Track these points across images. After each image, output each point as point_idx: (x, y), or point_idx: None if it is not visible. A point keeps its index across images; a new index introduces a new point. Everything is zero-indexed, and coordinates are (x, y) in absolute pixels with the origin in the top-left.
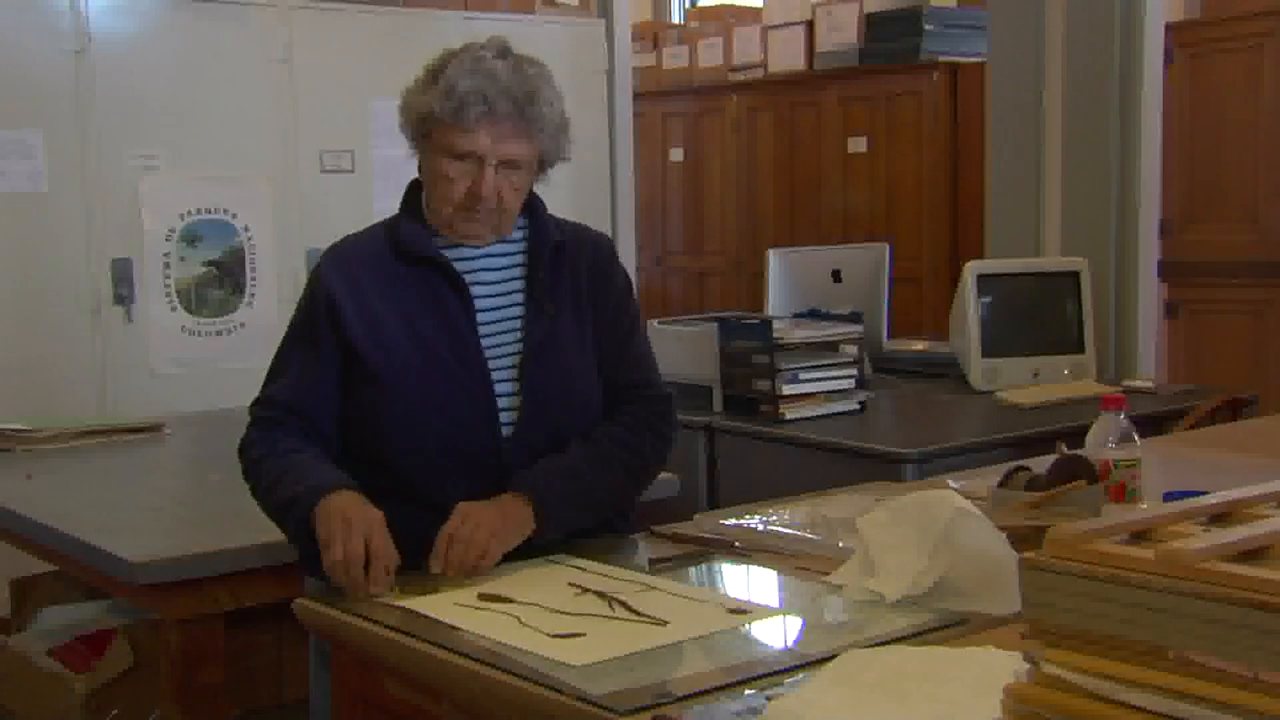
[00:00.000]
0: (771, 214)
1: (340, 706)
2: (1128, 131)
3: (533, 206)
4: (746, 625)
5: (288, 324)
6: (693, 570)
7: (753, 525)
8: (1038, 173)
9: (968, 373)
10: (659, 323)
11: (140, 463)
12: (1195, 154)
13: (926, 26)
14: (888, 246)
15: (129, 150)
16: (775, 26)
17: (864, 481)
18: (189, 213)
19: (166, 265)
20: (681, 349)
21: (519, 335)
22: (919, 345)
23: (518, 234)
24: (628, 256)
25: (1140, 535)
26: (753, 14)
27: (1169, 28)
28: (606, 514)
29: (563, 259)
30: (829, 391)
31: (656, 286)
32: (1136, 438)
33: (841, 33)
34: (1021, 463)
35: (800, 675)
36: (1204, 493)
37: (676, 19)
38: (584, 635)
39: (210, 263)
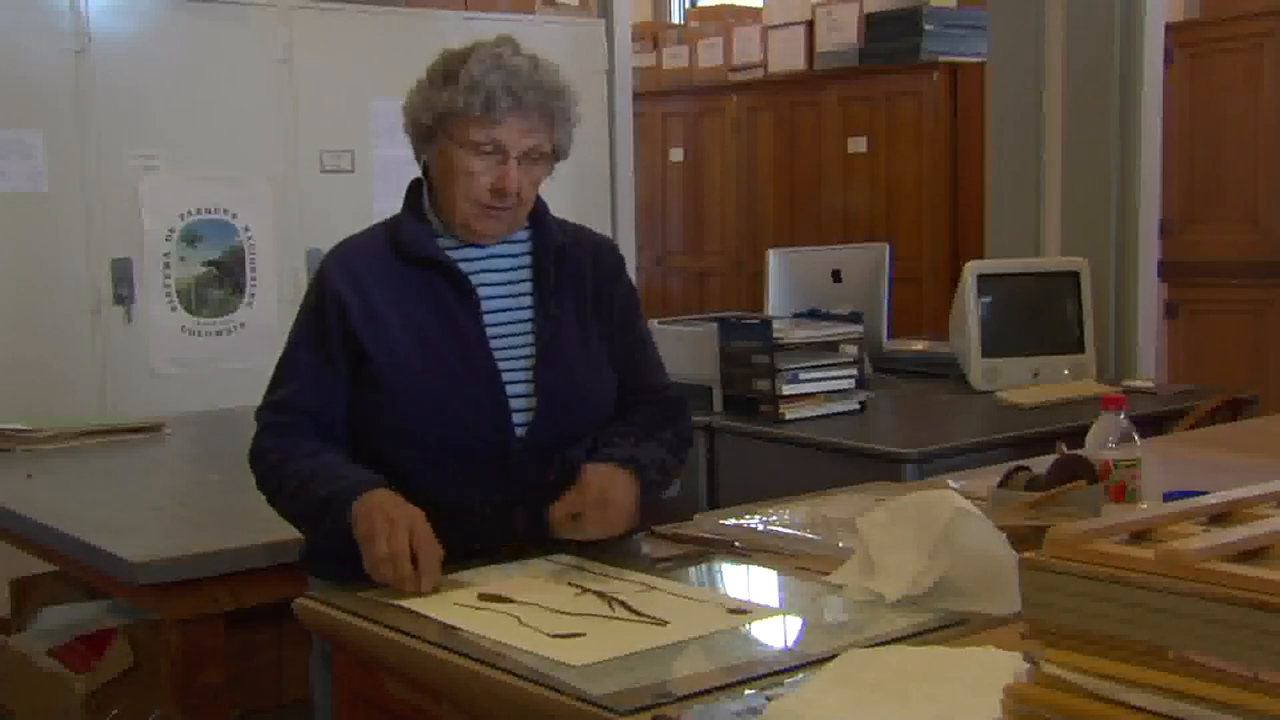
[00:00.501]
0: (771, 214)
1: (340, 706)
2: (1128, 131)
3: (536, 207)
4: (746, 625)
5: (291, 327)
6: (693, 570)
7: (753, 525)
8: (1038, 173)
9: (968, 373)
10: (659, 323)
11: (140, 463)
12: (1195, 154)
13: (926, 26)
14: (888, 246)
15: (129, 150)
16: (775, 26)
17: (864, 481)
18: (189, 213)
19: (166, 265)
20: (681, 349)
21: (529, 336)
22: (919, 345)
23: (521, 234)
24: (628, 256)
25: (1140, 535)
26: (753, 14)
27: (1169, 28)
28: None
29: (566, 260)
30: (829, 391)
31: (656, 286)
32: (1136, 438)
33: (841, 33)
34: (1021, 463)
35: (800, 675)
36: (1204, 493)
37: (676, 19)
38: (584, 635)
39: (210, 263)
